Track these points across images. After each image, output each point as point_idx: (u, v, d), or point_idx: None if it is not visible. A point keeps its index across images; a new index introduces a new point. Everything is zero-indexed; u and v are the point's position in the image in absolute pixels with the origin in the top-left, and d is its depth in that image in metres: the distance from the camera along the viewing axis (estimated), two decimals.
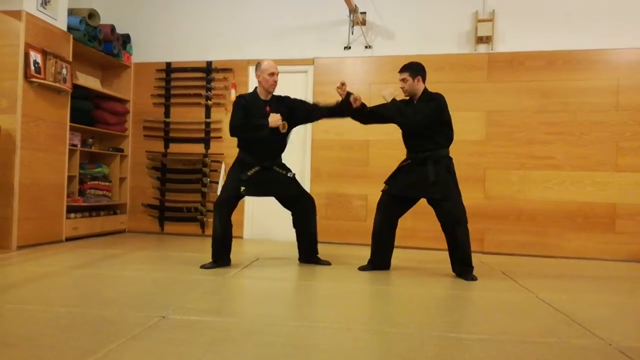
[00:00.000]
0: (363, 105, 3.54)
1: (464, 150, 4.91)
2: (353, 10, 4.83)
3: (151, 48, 5.66)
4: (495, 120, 4.86)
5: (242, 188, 3.42)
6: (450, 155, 3.46)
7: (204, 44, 5.53)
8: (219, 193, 5.26)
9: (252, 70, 5.40)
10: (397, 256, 4.41)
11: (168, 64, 5.59)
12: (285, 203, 3.70)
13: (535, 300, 2.72)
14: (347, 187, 5.15)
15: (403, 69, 3.45)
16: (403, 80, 3.43)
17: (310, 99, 5.24)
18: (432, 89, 4.93)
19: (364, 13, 5.11)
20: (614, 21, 4.68)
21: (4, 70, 3.99)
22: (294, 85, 5.33)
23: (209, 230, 5.36)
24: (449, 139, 3.45)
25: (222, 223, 3.44)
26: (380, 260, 3.62)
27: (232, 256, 3.61)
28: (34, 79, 4.07)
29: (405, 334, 2.01)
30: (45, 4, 4.27)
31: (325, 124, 5.18)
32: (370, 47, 5.18)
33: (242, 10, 5.49)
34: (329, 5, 5.17)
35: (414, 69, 3.43)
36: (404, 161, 3.58)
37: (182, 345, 1.78)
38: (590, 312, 2.47)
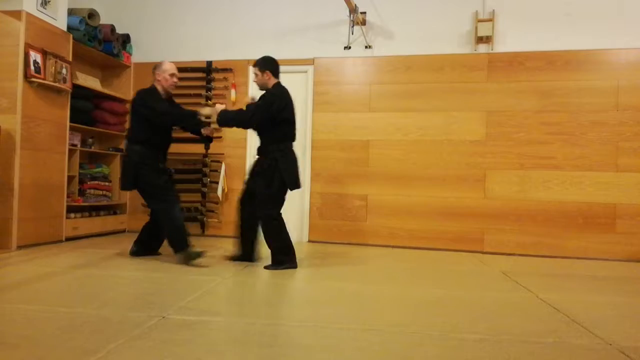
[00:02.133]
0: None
1: (464, 150, 4.91)
2: (353, 10, 4.83)
3: (151, 48, 5.66)
4: (495, 120, 4.86)
5: None
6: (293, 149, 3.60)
7: (204, 44, 5.54)
8: (219, 194, 5.30)
9: (252, 70, 5.40)
10: (392, 256, 4.41)
11: None
12: None
13: (535, 300, 2.72)
14: (347, 187, 5.15)
15: (254, 64, 3.63)
16: (255, 74, 3.62)
17: (310, 99, 5.25)
18: (432, 88, 5.00)
19: (364, 13, 5.11)
20: (614, 21, 4.68)
21: (4, 70, 3.99)
22: (294, 85, 5.32)
23: (209, 231, 5.39)
24: (284, 135, 3.55)
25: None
26: (245, 252, 3.69)
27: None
28: (34, 79, 4.07)
29: (405, 334, 2.01)
30: (45, 4, 4.27)
31: (328, 124, 5.20)
32: (370, 47, 5.18)
33: (242, 10, 5.49)
34: (329, 5, 5.18)
35: (263, 63, 3.59)
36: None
37: (182, 345, 1.78)
38: (590, 312, 2.48)
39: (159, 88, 3.69)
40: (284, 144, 3.54)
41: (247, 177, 3.74)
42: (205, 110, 3.75)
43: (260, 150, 3.61)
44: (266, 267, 3.47)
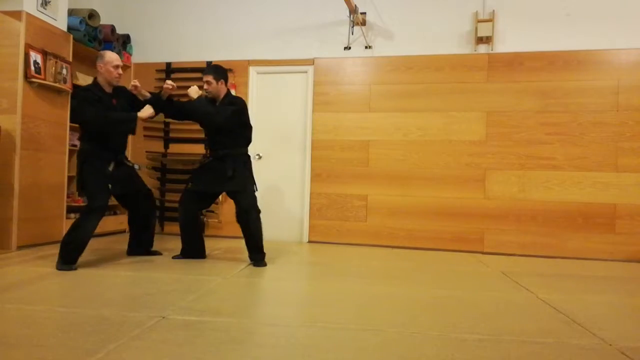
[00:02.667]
0: (171, 100, 3.64)
1: (464, 150, 4.92)
2: (353, 10, 4.83)
3: (151, 48, 5.67)
4: (495, 121, 4.86)
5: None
6: (249, 153, 3.80)
7: (204, 44, 5.54)
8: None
9: (252, 70, 5.42)
10: (392, 256, 4.41)
11: (168, 64, 5.60)
12: (127, 199, 3.77)
13: (535, 300, 2.72)
14: (347, 187, 5.15)
15: (207, 72, 3.62)
16: (207, 82, 3.60)
17: (310, 100, 5.25)
18: (432, 89, 5.00)
19: (364, 13, 5.12)
20: (614, 21, 4.68)
21: (4, 71, 3.99)
22: (294, 85, 5.34)
23: (209, 231, 5.39)
24: (248, 139, 3.75)
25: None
26: (192, 249, 3.79)
27: (232, 256, 3.64)
28: (34, 79, 4.07)
29: (405, 334, 2.01)
30: (45, 5, 4.27)
31: (328, 124, 5.20)
32: (370, 47, 5.18)
33: (242, 11, 5.50)
34: (329, 6, 5.18)
35: (218, 72, 3.61)
36: (206, 159, 3.78)
37: (182, 345, 1.78)
38: (590, 312, 2.48)
39: (101, 80, 3.48)
40: (247, 147, 3.75)
41: (194, 178, 3.78)
42: (194, 88, 3.66)
43: (226, 154, 3.59)
44: (258, 265, 3.58)
